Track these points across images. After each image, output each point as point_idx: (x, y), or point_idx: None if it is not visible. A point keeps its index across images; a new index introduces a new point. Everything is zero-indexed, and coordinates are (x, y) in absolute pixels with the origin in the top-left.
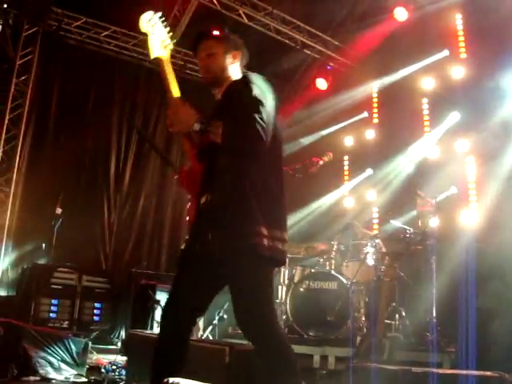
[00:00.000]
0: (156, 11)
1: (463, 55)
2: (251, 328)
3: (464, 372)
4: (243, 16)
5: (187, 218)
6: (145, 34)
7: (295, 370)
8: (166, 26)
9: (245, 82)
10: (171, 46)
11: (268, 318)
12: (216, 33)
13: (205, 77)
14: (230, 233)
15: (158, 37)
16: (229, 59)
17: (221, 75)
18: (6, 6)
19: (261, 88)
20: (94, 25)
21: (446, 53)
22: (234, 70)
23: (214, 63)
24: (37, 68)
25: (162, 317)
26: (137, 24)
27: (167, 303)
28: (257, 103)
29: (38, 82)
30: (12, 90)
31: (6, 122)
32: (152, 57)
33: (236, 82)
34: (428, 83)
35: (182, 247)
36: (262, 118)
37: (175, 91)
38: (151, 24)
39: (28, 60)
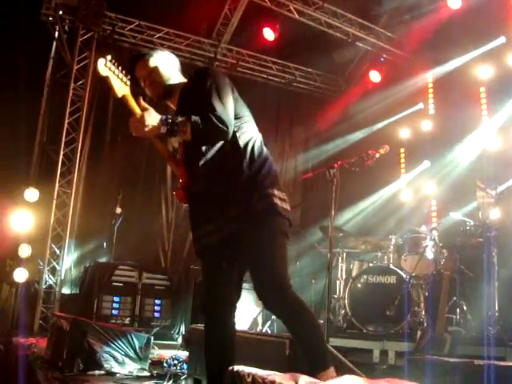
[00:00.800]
0: (208, 12)
1: None
2: (272, 295)
3: None
4: (294, 11)
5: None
6: (194, 35)
7: (320, 332)
8: (118, 66)
9: (199, 71)
10: (128, 82)
11: (286, 282)
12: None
13: (156, 94)
14: (247, 202)
15: (116, 77)
16: (166, 69)
17: (164, 86)
18: (61, 12)
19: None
20: (147, 27)
21: (502, 39)
22: (176, 75)
23: (156, 78)
24: (93, 72)
25: (203, 312)
26: (189, 24)
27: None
28: (214, 97)
29: (95, 85)
30: (70, 94)
31: (66, 125)
32: (118, 96)
33: (191, 78)
34: (485, 71)
35: (197, 240)
36: (219, 115)
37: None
38: (108, 67)
39: (84, 65)
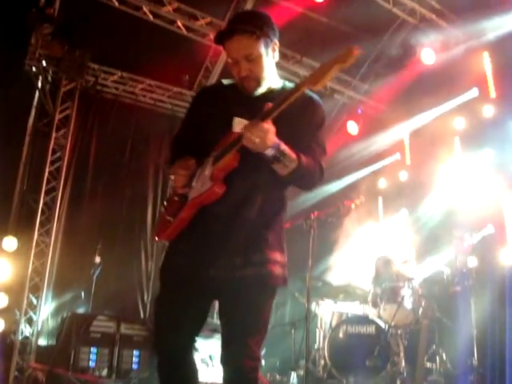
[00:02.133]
0: (189, 64)
1: (493, 94)
2: (238, 367)
3: None
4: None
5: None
6: (176, 87)
7: None
8: None
9: (311, 101)
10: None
11: (259, 359)
12: (254, 27)
13: (248, 84)
14: (264, 256)
15: None
16: (269, 56)
17: (264, 78)
18: (45, 63)
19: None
20: (130, 79)
21: (475, 92)
22: (272, 67)
23: (258, 68)
24: (75, 122)
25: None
26: (171, 76)
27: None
28: (325, 140)
29: (76, 135)
30: (52, 143)
31: (46, 174)
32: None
33: (309, 97)
34: (459, 123)
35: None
36: (323, 167)
37: None
38: None
39: (66, 114)
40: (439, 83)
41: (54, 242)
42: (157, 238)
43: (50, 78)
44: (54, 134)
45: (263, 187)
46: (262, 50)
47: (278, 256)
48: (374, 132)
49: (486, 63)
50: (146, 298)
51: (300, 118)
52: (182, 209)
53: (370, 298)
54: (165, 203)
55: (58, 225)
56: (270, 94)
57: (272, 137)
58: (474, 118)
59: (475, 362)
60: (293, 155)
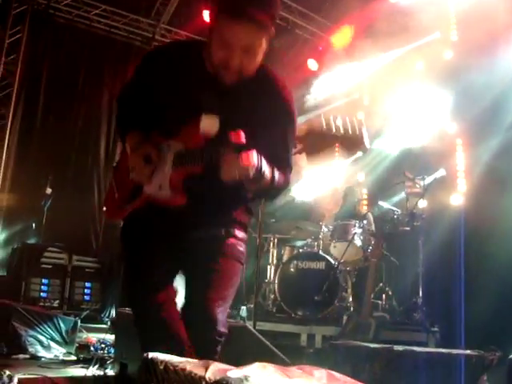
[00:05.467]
0: None
1: (454, 38)
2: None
3: (444, 350)
4: None
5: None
6: (132, 14)
7: None
8: None
9: (293, 111)
10: None
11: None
12: (268, 17)
13: (231, 77)
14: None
15: None
16: (265, 46)
17: (246, 74)
18: None
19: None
20: (84, 3)
21: (437, 34)
22: None
23: (254, 63)
24: (26, 47)
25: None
26: (126, 2)
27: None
28: (293, 146)
29: (27, 61)
30: (1, 69)
31: None
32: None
33: (276, 77)
34: (419, 65)
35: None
36: (290, 177)
37: None
38: None
39: (17, 39)
40: (402, 24)
41: (4, 172)
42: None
43: None
44: (3, 59)
45: (228, 200)
46: (263, 44)
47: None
48: (333, 71)
49: (450, 6)
50: (98, 229)
51: (274, 120)
52: (136, 199)
53: (321, 235)
54: (113, 181)
55: (7, 155)
56: (243, 85)
57: (253, 166)
58: (434, 61)
59: (420, 299)
60: (269, 176)
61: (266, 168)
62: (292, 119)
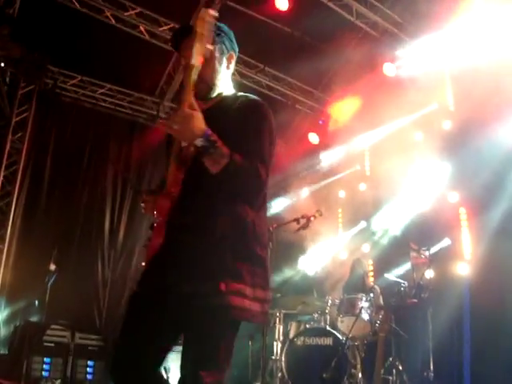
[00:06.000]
0: (151, 70)
1: (451, 108)
2: None
3: None
4: (236, 74)
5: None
6: (137, 92)
7: None
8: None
9: (256, 105)
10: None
11: None
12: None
13: (197, 88)
14: (209, 284)
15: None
16: (223, 63)
17: (212, 84)
18: (2, 64)
19: (270, 120)
20: (90, 83)
21: (435, 106)
22: (226, 77)
23: (208, 70)
24: (32, 125)
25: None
26: (131, 81)
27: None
28: (265, 145)
29: (34, 139)
30: (7, 147)
31: (1, 179)
32: (191, 63)
33: (244, 99)
34: (418, 136)
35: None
36: (266, 169)
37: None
38: (208, 21)
39: (24, 117)
40: (400, 96)
41: (8, 248)
42: None
43: (7, 80)
44: (10, 137)
45: (215, 202)
46: (216, 53)
47: (244, 289)
48: (334, 143)
49: (446, 78)
50: (102, 306)
51: (236, 118)
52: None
53: (328, 310)
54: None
55: (12, 231)
56: (221, 103)
57: (198, 123)
58: (433, 132)
59: (431, 374)
60: (224, 149)
61: (217, 139)
62: (255, 120)
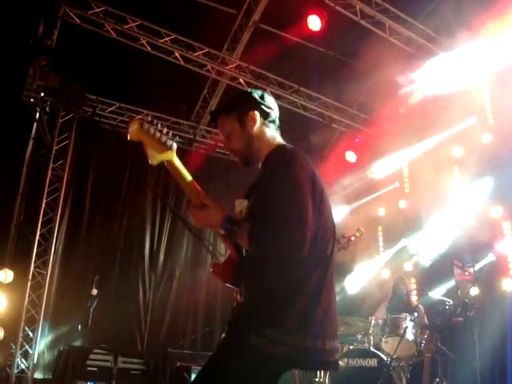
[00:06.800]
0: (187, 95)
1: (491, 121)
2: None
3: None
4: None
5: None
6: (173, 117)
7: None
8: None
9: (276, 166)
10: (175, 145)
11: None
12: (225, 106)
13: (238, 160)
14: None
15: (156, 141)
16: (247, 129)
17: (250, 151)
18: (42, 94)
19: (305, 168)
20: (128, 109)
21: (473, 120)
22: (262, 134)
23: (235, 143)
24: (72, 153)
25: None
26: (169, 107)
27: None
28: (291, 207)
29: (74, 166)
30: (49, 174)
31: (43, 205)
32: (153, 163)
33: (272, 155)
34: (458, 151)
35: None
36: (302, 228)
37: (192, 186)
38: (145, 129)
39: (64, 145)
40: (437, 112)
41: (51, 273)
42: None
43: (47, 109)
44: (51, 165)
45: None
46: (235, 124)
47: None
48: (372, 161)
49: (484, 91)
50: (143, 330)
51: (261, 188)
52: None
53: (371, 331)
54: None
55: (54, 256)
56: (261, 169)
57: (213, 218)
58: (472, 146)
59: None
60: (245, 223)
61: (236, 227)
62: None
